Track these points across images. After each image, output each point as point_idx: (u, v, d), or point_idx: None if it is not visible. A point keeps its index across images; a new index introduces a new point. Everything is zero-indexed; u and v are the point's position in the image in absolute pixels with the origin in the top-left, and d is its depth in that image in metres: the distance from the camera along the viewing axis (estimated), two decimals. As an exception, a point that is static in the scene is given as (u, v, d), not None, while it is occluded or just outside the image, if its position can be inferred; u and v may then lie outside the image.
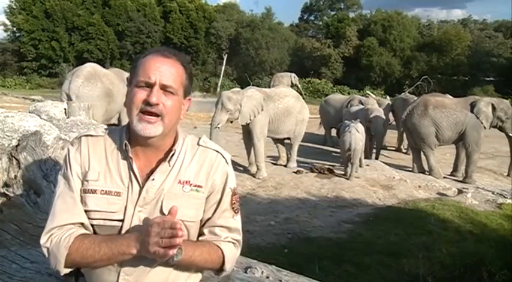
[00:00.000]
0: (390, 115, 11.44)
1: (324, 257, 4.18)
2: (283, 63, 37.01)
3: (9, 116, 2.22)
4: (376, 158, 10.14)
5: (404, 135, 10.51)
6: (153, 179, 1.17)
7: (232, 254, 1.24)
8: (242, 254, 1.36)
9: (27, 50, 36.36)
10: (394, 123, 11.77)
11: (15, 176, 2.04)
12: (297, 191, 7.08)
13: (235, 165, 8.41)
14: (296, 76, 16.52)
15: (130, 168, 1.18)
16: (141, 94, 1.14)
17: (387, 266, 4.11)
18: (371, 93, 18.34)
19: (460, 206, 6.52)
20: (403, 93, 16.32)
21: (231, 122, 8.12)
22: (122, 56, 37.22)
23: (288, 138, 8.61)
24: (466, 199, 6.96)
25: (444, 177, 8.84)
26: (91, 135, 1.25)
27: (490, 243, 4.87)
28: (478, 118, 8.43)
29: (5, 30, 38.27)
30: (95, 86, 7.07)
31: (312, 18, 46.07)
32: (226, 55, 37.90)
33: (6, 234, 1.87)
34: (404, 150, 11.71)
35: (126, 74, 7.20)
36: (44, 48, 36.44)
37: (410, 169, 9.27)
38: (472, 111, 8.50)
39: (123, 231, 1.16)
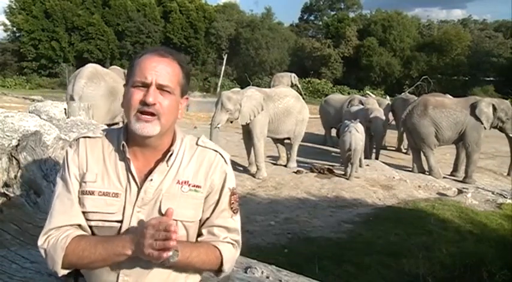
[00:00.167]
0: (390, 115, 11.45)
1: (324, 257, 4.18)
2: (283, 63, 37.03)
3: (9, 116, 2.21)
4: (376, 158, 10.15)
5: (405, 135, 10.52)
6: (151, 180, 1.17)
7: (230, 254, 1.23)
8: (242, 254, 1.35)
9: (27, 50, 36.39)
10: (394, 123, 11.78)
11: (15, 176, 2.04)
12: (297, 191, 7.08)
13: (235, 165, 8.41)
14: (296, 76, 16.53)
15: (128, 169, 1.18)
16: (137, 95, 1.14)
17: (387, 266, 4.11)
18: (371, 93, 18.34)
19: (460, 206, 6.52)
20: (403, 93, 16.33)
21: (231, 122, 8.12)
22: (121, 56, 37.23)
23: (288, 138, 8.61)
24: (466, 199, 6.96)
25: (444, 177, 8.84)
26: (89, 137, 1.25)
27: (490, 243, 4.87)
28: (479, 119, 8.42)
29: (5, 30, 38.38)
30: (98, 85, 7.10)
31: (312, 18, 46.13)
32: (226, 55, 37.92)
33: (6, 234, 1.87)
34: (404, 150, 11.71)
35: (127, 72, 7.17)
36: (44, 48, 36.47)
37: (410, 169, 9.27)
38: (473, 112, 8.48)
39: (122, 232, 1.16)
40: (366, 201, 6.77)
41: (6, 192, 2.00)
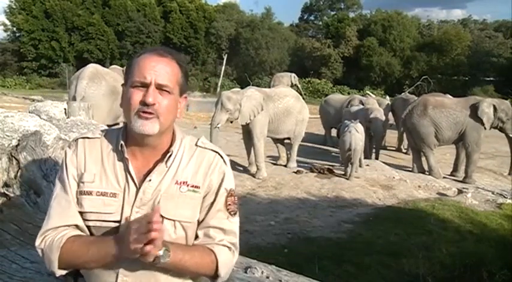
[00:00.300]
0: (390, 115, 11.44)
1: (324, 257, 4.18)
2: (283, 63, 37.04)
3: (9, 116, 2.21)
4: (376, 158, 10.15)
5: (405, 135, 10.52)
6: (150, 180, 1.17)
7: (226, 258, 1.20)
8: (242, 254, 1.35)
9: (27, 50, 36.41)
10: (394, 123, 11.78)
11: (15, 176, 2.04)
12: (297, 191, 7.08)
13: (235, 165, 8.41)
14: (296, 76, 16.53)
15: (127, 169, 1.18)
16: (137, 95, 1.14)
17: (387, 266, 4.12)
18: (371, 93, 18.34)
19: (460, 206, 6.52)
20: (403, 93, 16.33)
21: (231, 122, 8.12)
22: (121, 56, 37.24)
23: (288, 138, 8.62)
24: (466, 199, 6.96)
25: (444, 177, 8.84)
26: (88, 138, 1.25)
27: (490, 243, 4.88)
28: (479, 119, 8.42)
29: (5, 30, 38.40)
30: (100, 85, 7.12)
31: (312, 18, 46.14)
32: (226, 55, 37.92)
33: (6, 234, 1.87)
34: (404, 150, 11.71)
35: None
36: (44, 48, 36.49)
37: (410, 169, 9.28)
38: (475, 112, 8.47)
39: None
40: (365, 201, 6.77)
41: (6, 192, 2.00)
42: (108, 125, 5.02)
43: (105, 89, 7.17)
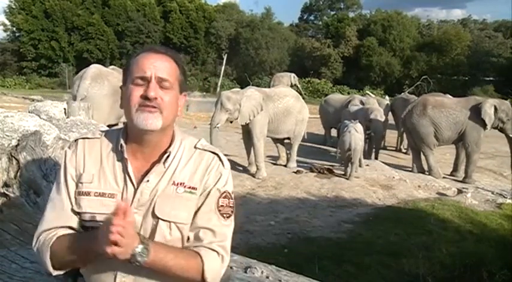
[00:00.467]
0: (389, 115, 11.44)
1: (323, 257, 4.18)
2: (283, 63, 37.04)
3: (9, 116, 2.21)
4: (376, 158, 10.15)
5: (405, 135, 10.52)
6: (148, 181, 1.16)
7: (214, 263, 1.15)
8: (242, 254, 1.34)
9: (27, 49, 36.41)
10: (394, 123, 11.78)
11: (15, 176, 2.03)
12: (297, 191, 7.09)
13: (235, 165, 8.42)
14: (296, 76, 16.51)
15: (125, 169, 1.18)
16: (137, 91, 1.14)
17: (387, 266, 4.12)
18: (371, 93, 18.34)
19: (459, 206, 6.52)
20: (403, 93, 16.32)
21: (231, 122, 8.12)
22: (121, 56, 37.24)
23: (288, 138, 8.62)
24: (465, 199, 6.96)
25: (444, 177, 8.84)
26: (88, 138, 1.25)
27: (490, 243, 4.88)
28: (482, 120, 8.41)
29: (5, 30, 38.39)
30: (102, 85, 7.16)
31: (311, 18, 46.17)
32: (226, 55, 37.91)
33: (6, 234, 1.87)
34: (404, 150, 11.72)
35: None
36: (43, 48, 36.49)
37: (410, 169, 9.28)
38: (476, 113, 8.46)
39: None
40: (365, 201, 6.77)
41: (6, 192, 2.00)
42: (109, 125, 5.04)
43: (108, 89, 7.20)
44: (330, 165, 8.44)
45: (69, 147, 1.26)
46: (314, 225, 5.49)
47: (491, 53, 33.06)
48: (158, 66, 1.14)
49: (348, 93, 24.07)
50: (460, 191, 7.51)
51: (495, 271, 3.76)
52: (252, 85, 14.06)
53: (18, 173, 2.03)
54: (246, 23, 38.08)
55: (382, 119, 10.03)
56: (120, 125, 1.29)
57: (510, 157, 9.15)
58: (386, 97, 16.13)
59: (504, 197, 7.34)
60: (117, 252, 0.99)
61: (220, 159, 1.23)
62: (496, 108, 8.53)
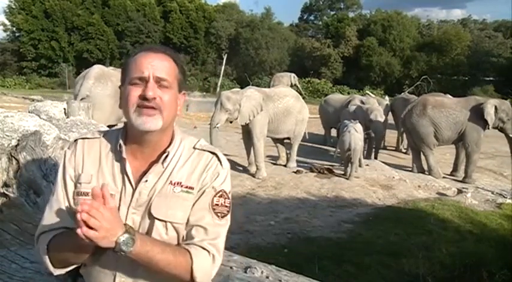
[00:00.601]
0: (389, 115, 11.43)
1: (323, 257, 4.18)
2: (283, 63, 37.05)
3: (9, 116, 2.21)
4: (375, 158, 10.15)
5: (404, 135, 10.51)
6: (146, 181, 1.16)
7: (204, 262, 1.13)
8: (242, 254, 1.34)
9: (27, 49, 36.43)
10: (393, 123, 11.77)
11: (15, 176, 2.03)
12: (297, 191, 7.08)
13: (235, 165, 8.42)
14: (296, 76, 16.51)
15: (124, 169, 1.17)
16: (136, 91, 1.12)
17: (387, 266, 4.11)
18: (371, 93, 18.33)
19: (459, 205, 6.52)
20: (403, 93, 16.32)
21: (231, 122, 8.12)
22: (121, 56, 37.22)
23: (288, 138, 8.62)
24: (465, 199, 6.96)
25: (444, 177, 8.84)
26: (87, 138, 1.25)
27: (490, 243, 4.88)
28: (482, 120, 8.40)
29: (5, 30, 38.40)
30: (106, 85, 7.19)
31: (311, 18, 46.20)
32: (226, 55, 37.92)
33: (6, 234, 1.87)
34: (404, 150, 11.72)
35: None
36: (43, 48, 36.50)
37: (410, 169, 9.28)
38: (476, 113, 8.45)
39: None
40: (365, 201, 6.77)
41: (6, 192, 2.00)
42: (109, 126, 5.04)
43: (111, 90, 7.23)
44: (330, 165, 8.43)
45: (68, 148, 1.25)
46: (314, 225, 5.49)
47: (491, 53, 33.07)
48: (156, 65, 1.13)
49: (348, 93, 24.07)
50: (460, 191, 7.50)
51: (495, 271, 3.76)
52: (252, 85, 14.06)
53: (18, 173, 2.03)
54: (246, 23, 38.10)
55: (382, 119, 10.04)
56: (120, 125, 1.28)
57: (510, 157, 9.15)
58: (386, 97, 16.12)
59: (504, 197, 7.34)
60: (92, 236, 0.96)
61: (219, 159, 1.22)
62: (496, 108, 8.53)
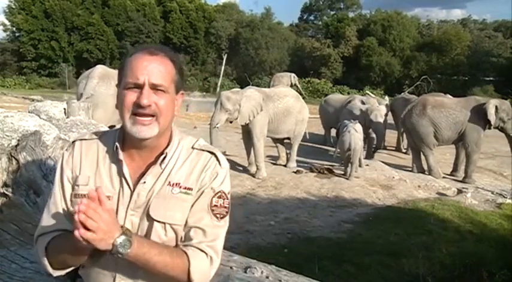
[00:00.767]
0: (389, 115, 11.42)
1: (323, 257, 4.18)
2: (283, 63, 37.06)
3: (9, 116, 2.21)
4: (371, 157, 10.14)
5: (404, 135, 10.51)
6: (144, 182, 1.15)
7: (201, 264, 1.12)
8: (242, 254, 1.33)
9: (27, 49, 36.44)
10: (394, 123, 11.76)
11: (15, 176, 2.03)
12: (297, 191, 7.08)
13: (235, 165, 8.42)
14: (296, 76, 16.51)
15: (121, 171, 1.16)
16: (131, 96, 1.10)
17: (387, 266, 4.11)
18: (371, 93, 18.33)
19: (459, 205, 6.52)
20: (402, 93, 16.32)
21: (231, 122, 8.12)
22: (121, 56, 37.17)
23: (288, 138, 8.62)
24: (465, 199, 6.96)
25: (444, 177, 8.84)
26: (85, 139, 1.24)
27: (490, 243, 4.87)
28: (483, 120, 8.39)
29: (5, 30, 38.42)
30: (109, 84, 7.21)
31: (311, 18, 46.22)
32: (225, 55, 37.93)
33: (6, 234, 1.87)
34: (404, 150, 11.71)
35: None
36: (43, 48, 36.51)
37: (410, 169, 9.27)
38: (476, 113, 8.45)
39: None
40: (365, 201, 6.77)
41: (6, 192, 2.00)
42: (111, 126, 5.04)
43: (114, 89, 7.22)
44: (330, 165, 8.43)
45: (66, 149, 1.25)
46: (314, 225, 5.49)
47: (491, 53, 33.08)
48: (151, 70, 1.10)
49: (348, 93, 24.08)
50: (460, 191, 7.50)
51: (495, 271, 3.76)
52: (252, 85, 14.06)
53: (18, 173, 2.03)
54: (246, 23, 38.11)
55: (382, 119, 10.03)
56: (118, 126, 1.27)
57: (511, 157, 9.15)
58: (386, 97, 16.12)
59: (504, 197, 7.34)
60: (90, 238, 0.95)
61: (218, 159, 1.21)
62: (496, 108, 8.53)
